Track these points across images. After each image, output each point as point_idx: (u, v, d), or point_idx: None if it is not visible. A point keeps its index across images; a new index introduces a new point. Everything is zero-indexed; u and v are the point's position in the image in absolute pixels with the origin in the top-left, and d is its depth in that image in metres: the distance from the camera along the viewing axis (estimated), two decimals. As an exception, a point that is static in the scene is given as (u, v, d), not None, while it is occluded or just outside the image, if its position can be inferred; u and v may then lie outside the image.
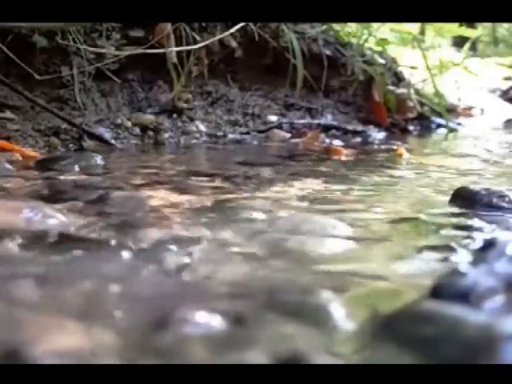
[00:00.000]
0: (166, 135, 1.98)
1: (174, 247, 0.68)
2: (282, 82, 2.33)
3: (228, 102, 2.31)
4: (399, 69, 2.95)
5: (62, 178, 1.18)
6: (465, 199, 0.95)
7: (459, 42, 4.92)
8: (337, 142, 2.08)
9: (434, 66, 2.96)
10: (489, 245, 0.62)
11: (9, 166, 1.26)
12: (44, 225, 0.76)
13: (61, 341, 0.43)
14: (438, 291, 0.51)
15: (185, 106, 2.12)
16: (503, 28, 11.99)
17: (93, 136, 1.78)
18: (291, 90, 2.37)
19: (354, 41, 2.65)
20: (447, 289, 0.51)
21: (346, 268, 0.62)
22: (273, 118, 2.35)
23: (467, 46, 3.68)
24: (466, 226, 0.82)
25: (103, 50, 1.91)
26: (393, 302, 0.52)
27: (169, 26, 1.95)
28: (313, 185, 1.16)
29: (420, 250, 0.70)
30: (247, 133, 2.21)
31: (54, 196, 1.00)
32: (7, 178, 1.15)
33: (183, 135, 2.04)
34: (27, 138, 1.66)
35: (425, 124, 2.80)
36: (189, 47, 1.98)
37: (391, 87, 2.72)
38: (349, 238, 0.74)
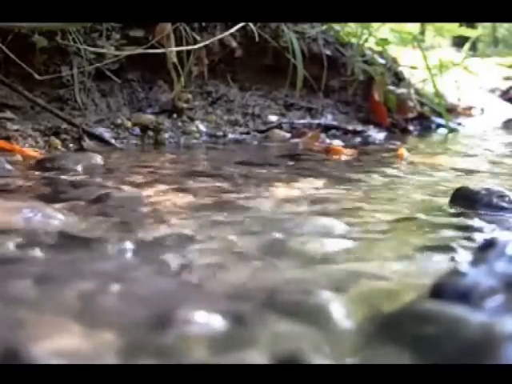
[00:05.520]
0: (166, 135, 1.98)
1: (174, 247, 0.68)
2: (281, 82, 2.33)
3: (228, 102, 2.31)
4: (399, 69, 2.95)
5: (62, 177, 1.18)
6: (465, 199, 0.95)
7: (459, 42, 4.92)
8: (337, 142, 2.08)
9: (434, 66, 2.96)
10: (489, 245, 0.62)
11: (9, 166, 1.26)
12: (44, 225, 0.76)
13: (61, 341, 0.43)
14: (438, 291, 0.51)
15: (185, 105, 2.12)
16: (503, 28, 12.01)
17: (93, 136, 1.78)
18: (291, 90, 2.37)
19: (354, 41, 2.65)
20: (447, 289, 0.51)
21: (346, 268, 0.62)
22: (273, 118, 2.35)
23: (467, 46, 3.68)
24: (466, 226, 0.82)
25: (103, 50, 1.91)
26: (393, 302, 0.52)
27: (169, 26, 1.95)
28: (313, 185, 1.16)
29: (420, 249, 0.70)
30: (247, 133, 2.21)
31: (54, 196, 1.00)
32: (7, 178, 1.15)
33: (183, 135, 2.04)
34: (27, 137, 1.66)
35: (425, 124, 2.80)
36: (189, 47, 1.98)
37: (391, 87, 2.72)
38: (349, 238, 0.74)
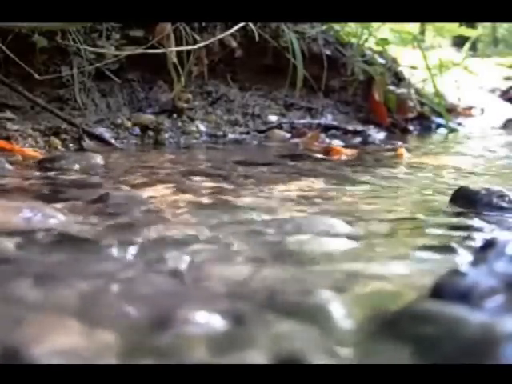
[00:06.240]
0: (166, 135, 1.98)
1: (173, 247, 0.68)
2: (281, 82, 2.34)
3: (228, 102, 2.31)
4: (399, 69, 2.95)
5: (61, 177, 1.18)
6: (465, 199, 0.95)
7: (459, 42, 4.93)
8: (337, 142, 2.08)
9: (434, 66, 2.96)
10: (489, 245, 0.62)
11: (9, 166, 1.26)
12: (44, 225, 0.76)
13: (61, 341, 0.43)
14: (438, 291, 0.51)
15: (185, 105, 2.12)
16: (503, 28, 12.02)
17: (93, 136, 1.78)
18: (291, 90, 2.37)
19: (354, 41, 2.65)
20: (447, 289, 0.51)
21: (346, 268, 0.62)
22: (273, 118, 2.35)
23: (467, 46, 3.68)
24: (466, 226, 0.82)
25: (103, 50, 1.91)
26: (393, 302, 0.51)
27: (169, 26, 1.95)
28: (313, 185, 1.16)
29: (420, 249, 0.70)
30: (247, 133, 2.21)
31: (53, 196, 1.00)
32: (8, 178, 1.15)
33: (183, 135, 2.04)
34: (27, 137, 1.66)
35: (425, 124, 2.80)
36: (189, 47, 1.98)
37: (391, 87, 2.72)
38: (349, 238, 0.74)
